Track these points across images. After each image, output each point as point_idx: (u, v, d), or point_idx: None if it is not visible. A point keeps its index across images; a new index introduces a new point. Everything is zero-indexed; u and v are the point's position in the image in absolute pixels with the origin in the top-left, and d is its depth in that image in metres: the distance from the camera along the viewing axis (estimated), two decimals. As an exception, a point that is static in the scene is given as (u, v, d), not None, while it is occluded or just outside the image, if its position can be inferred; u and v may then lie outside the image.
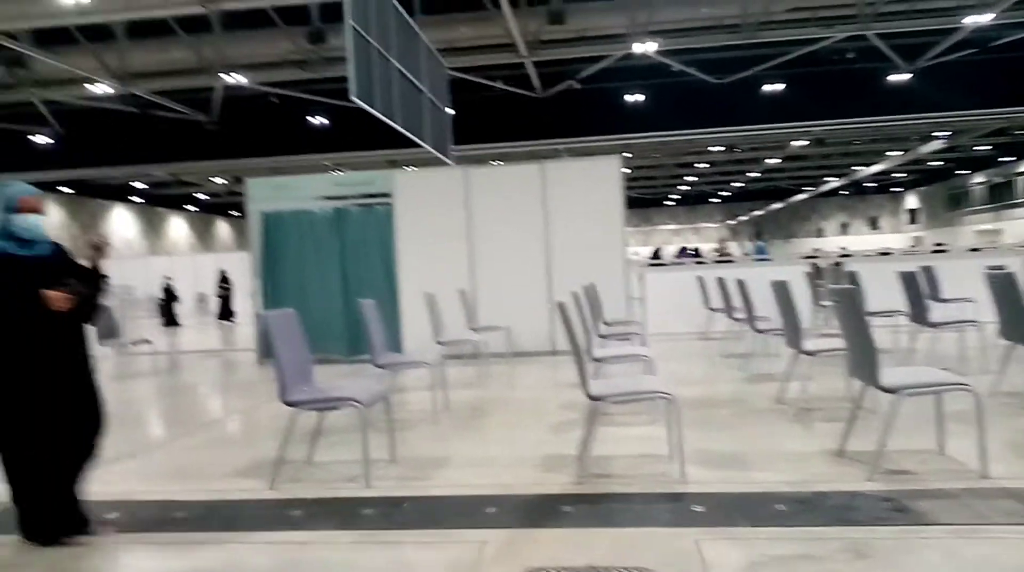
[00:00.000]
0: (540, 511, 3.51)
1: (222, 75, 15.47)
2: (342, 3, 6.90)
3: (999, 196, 36.75)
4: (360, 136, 17.39)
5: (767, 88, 17.91)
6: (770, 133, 20.77)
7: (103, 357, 9.50)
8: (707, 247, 38.52)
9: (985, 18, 13.97)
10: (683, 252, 25.56)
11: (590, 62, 16.83)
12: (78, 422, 3.22)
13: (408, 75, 9.10)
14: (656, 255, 18.22)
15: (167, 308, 18.96)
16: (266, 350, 8.85)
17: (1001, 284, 5.29)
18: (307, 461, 4.49)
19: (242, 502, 3.87)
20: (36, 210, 3.21)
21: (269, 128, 19.54)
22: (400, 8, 8.94)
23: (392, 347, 7.55)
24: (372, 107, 7.26)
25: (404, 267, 9.40)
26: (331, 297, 9.49)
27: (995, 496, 3.37)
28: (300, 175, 10.92)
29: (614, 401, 3.99)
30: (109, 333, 9.32)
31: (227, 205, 38.29)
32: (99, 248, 3.29)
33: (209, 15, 13.80)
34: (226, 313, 19.00)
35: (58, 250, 3.30)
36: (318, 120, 19.12)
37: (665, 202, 47.27)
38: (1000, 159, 33.58)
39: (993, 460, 3.67)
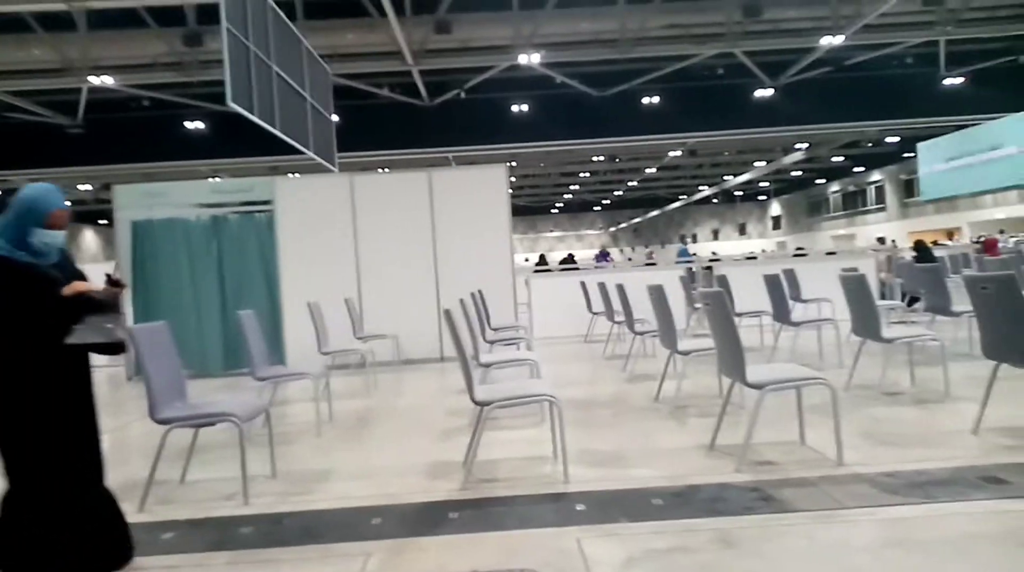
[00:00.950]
0: (426, 519, 3.51)
1: (89, 77, 14.55)
2: (218, 5, 6.67)
3: (852, 203, 39.91)
4: (240, 142, 16.79)
5: (645, 101, 18.66)
6: (648, 144, 21.64)
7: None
8: (589, 253, 39.57)
9: (838, 40, 15.14)
10: (603, 257, 26.32)
11: (476, 72, 16.99)
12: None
13: (289, 80, 8.89)
14: (542, 261, 18.55)
15: None
16: (137, 366, 8.38)
17: (853, 285, 5.75)
18: (180, 481, 4.28)
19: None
20: (63, 225, 2.82)
21: (141, 133, 18.54)
22: (280, 13, 8.73)
23: (275, 359, 7.33)
24: (250, 112, 7.05)
25: (286, 276, 9.14)
26: (208, 309, 9.10)
27: (849, 481, 3.64)
28: (174, 182, 10.43)
29: (500, 405, 4.03)
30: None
31: (95, 213, 35.93)
32: (117, 284, 2.88)
33: (73, 13, 12.97)
34: None
35: (64, 255, 2.93)
36: (194, 125, 18.31)
37: (551, 210, 48.19)
38: (853, 169, 36.40)
39: (847, 448, 3.98)
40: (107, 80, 14.86)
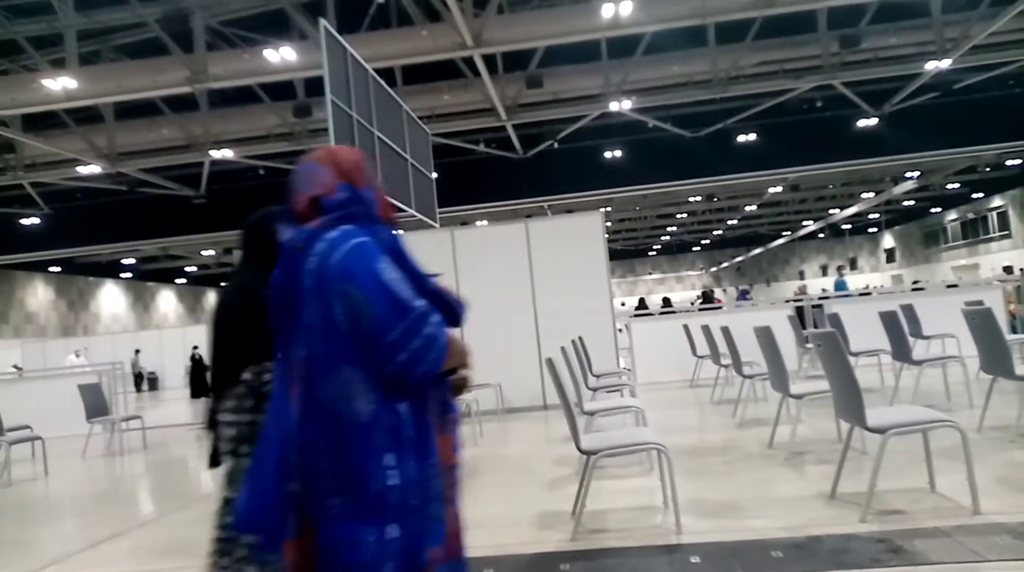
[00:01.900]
0: (537, 570, 3.51)
1: (210, 151, 15.75)
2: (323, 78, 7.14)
3: (973, 232, 37.46)
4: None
5: (741, 139, 18.39)
6: (746, 181, 21.22)
7: (93, 434, 9.44)
8: (689, 295, 38.77)
9: (944, 63, 14.52)
10: (743, 295, 25.99)
11: (568, 122, 17.28)
12: None
13: (391, 143, 9.34)
14: (642, 305, 18.34)
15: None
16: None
17: (980, 320, 5.40)
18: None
19: None
20: None
21: (256, 199, 19.69)
22: (381, 81, 9.23)
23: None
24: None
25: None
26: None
27: (988, 532, 3.40)
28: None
29: (607, 454, 4.02)
30: (98, 411, 9.26)
31: (217, 277, 38.35)
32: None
33: (196, 94, 14.13)
34: (198, 389, 17.89)
35: None
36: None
37: (648, 252, 47.74)
38: (972, 196, 34.31)
39: (984, 495, 3.72)
40: (227, 153, 16.03)
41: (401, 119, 10.21)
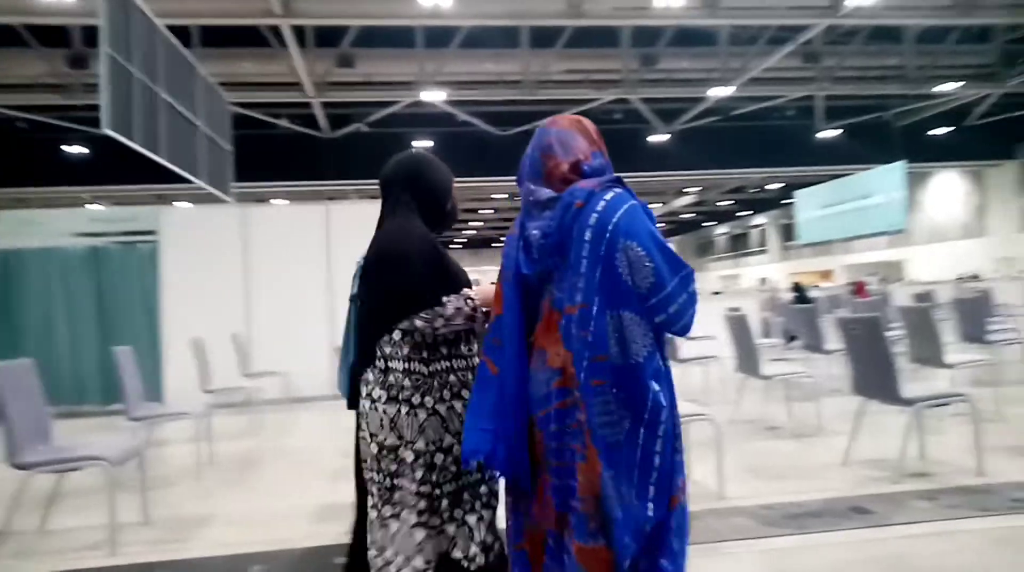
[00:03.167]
0: (311, 565, 3.38)
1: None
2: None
3: (738, 245, 42.04)
4: (126, 169, 15.99)
5: (545, 141, 19.07)
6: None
7: None
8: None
9: (726, 91, 16.05)
10: None
11: (379, 106, 16.96)
12: None
13: (179, 108, 8.60)
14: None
15: None
16: (-1, 406, 7.74)
17: (737, 324, 6.02)
18: (40, 530, 3.96)
19: (-48, 586, 3.32)
20: None
21: (15, 156, 17.39)
22: (172, 38, 8.46)
23: (154, 397, 6.94)
24: (130, 139, 6.76)
25: (168, 310, 8.70)
26: (85, 343, 8.55)
27: (730, 515, 3.77)
28: (50, 209, 9.85)
29: (390, 445, 3.94)
30: None
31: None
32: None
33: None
34: None
35: None
36: (76, 149, 17.35)
37: (451, 246, 48.32)
38: (738, 214, 38.41)
39: (730, 481, 4.12)
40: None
41: (194, 83, 9.44)
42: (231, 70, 14.27)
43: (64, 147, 17.30)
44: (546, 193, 2.03)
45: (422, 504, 2.20)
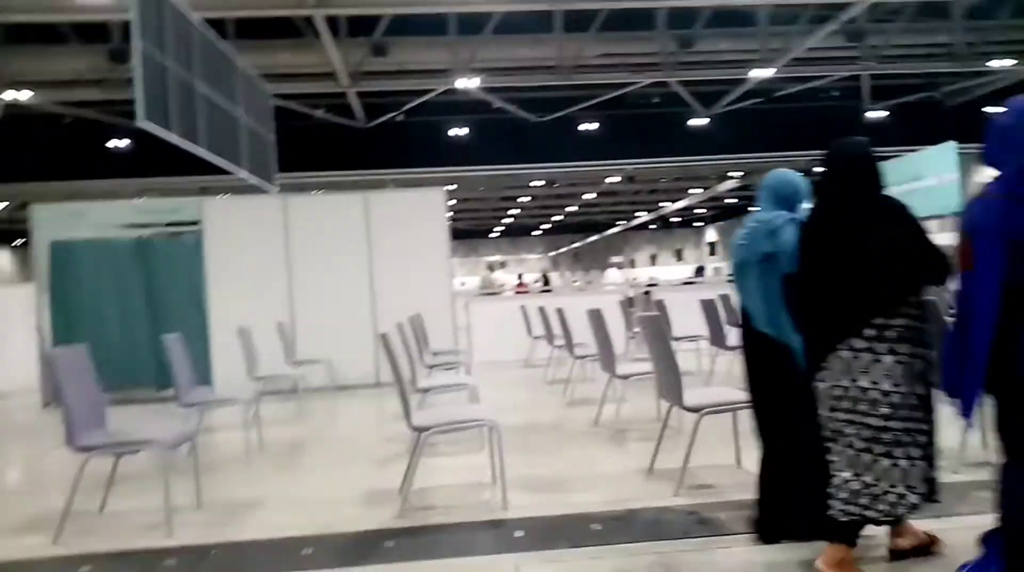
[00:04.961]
0: (360, 549, 3.39)
1: (4, 93, 13.90)
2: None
3: (784, 231, 41.22)
4: (169, 162, 16.24)
5: (582, 127, 18.92)
6: (586, 170, 21.92)
7: None
8: (531, 278, 39.74)
9: (768, 72, 15.69)
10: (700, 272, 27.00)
11: (414, 95, 16.96)
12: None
13: (218, 100, 8.67)
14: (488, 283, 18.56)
15: None
16: (55, 392, 7.96)
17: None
18: (100, 511, 4.05)
19: (21, 562, 3.42)
20: None
21: (62, 150, 17.79)
22: (208, 30, 8.52)
23: (203, 384, 7.05)
24: (167, 131, 6.83)
25: (215, 299, 8.84)
26: (135, 331, 8.75)
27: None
28: (98, 201, 10.08)
29: (437, 431, 3.95)
30: None
31: (9, 233, 34.26)
32: None
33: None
34: None
35: None
36: (120, 143, 17.68)
37: (489, 234, 48.31)
38: (783, 198, 37.68)
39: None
40: (24, 95, 14.21)
41: (231, 74, 9.51)
42: (267, 62, 14.35)
43: (109, 141, 17.64)
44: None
45: (907, 439, 2.65)
